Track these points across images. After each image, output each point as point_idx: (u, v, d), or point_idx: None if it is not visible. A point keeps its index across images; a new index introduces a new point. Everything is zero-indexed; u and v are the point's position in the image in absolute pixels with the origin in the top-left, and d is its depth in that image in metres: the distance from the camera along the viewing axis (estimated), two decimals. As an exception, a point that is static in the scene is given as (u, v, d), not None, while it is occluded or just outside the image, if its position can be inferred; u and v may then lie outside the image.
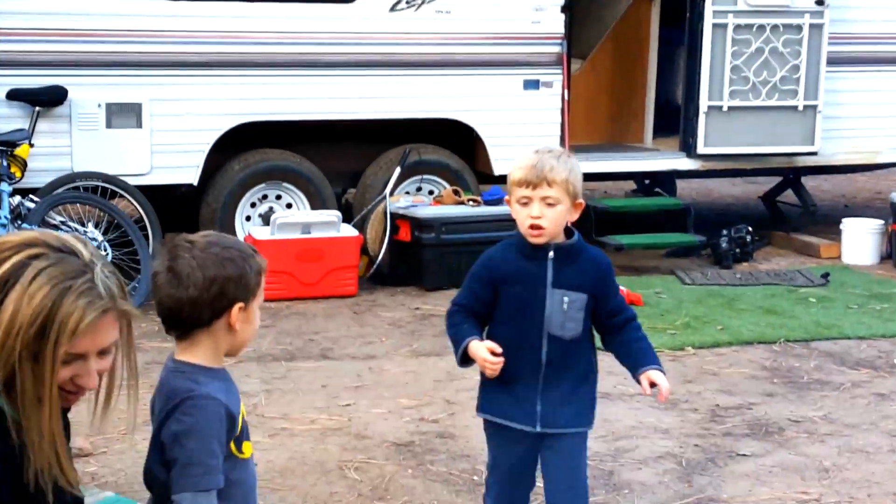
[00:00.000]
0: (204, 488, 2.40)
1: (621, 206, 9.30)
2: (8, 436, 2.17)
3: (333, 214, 7.78)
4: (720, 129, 8.89)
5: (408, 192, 8.39)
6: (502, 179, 8.53)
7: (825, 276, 8.25)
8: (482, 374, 3.33)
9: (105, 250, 7.06)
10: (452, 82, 8.29)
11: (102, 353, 2.26)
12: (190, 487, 2.40)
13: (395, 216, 7.98)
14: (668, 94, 10.02)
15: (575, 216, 3.28)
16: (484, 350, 3.24)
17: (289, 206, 8.07)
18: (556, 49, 8.46)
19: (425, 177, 8.49)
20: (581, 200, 3.28)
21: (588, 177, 9.49)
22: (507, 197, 3.35)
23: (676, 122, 9.24)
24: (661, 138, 9.73)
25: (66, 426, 2.55)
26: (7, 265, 2.15)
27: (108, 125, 7.42)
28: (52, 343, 2.14)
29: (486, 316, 3.35)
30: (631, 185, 10.75)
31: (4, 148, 6.88)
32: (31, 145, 7.01)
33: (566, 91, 8.53)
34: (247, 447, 2.53)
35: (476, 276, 3.37)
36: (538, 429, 3.31)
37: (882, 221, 9.09)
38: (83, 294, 2.17)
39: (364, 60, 8.00)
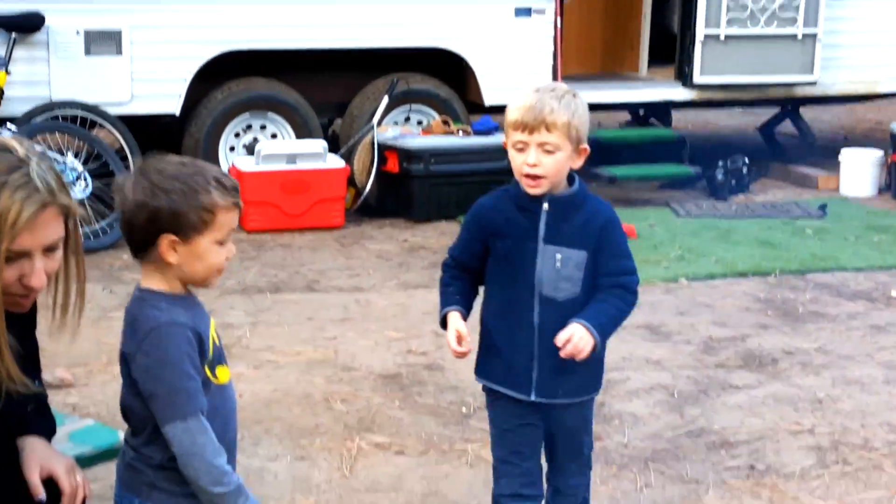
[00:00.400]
0: (191, 412, 2.39)
1: (615, 137, 9.27)
2: None
3: (320, 145, 7.74)
4: (717, 58, 8.84)
5: (396, 123, 8.35)
6: (492, 110, 8.50)
7: (822, 207, 8.25)
8: (480, 335, 3.15)
9: (85, 181, 7.03)
10: (441, 9, 8.21)
11: (48, 250, 2.24)
12: (178, 416, 2.37)
13: (382, 147, 7.94)
14: (664, 21, 9.92)
15: (579, 163, 2.99)
16: (453, 332, 3.02)
17: (274, 136, 8.02)
18: (549, -26, 8.38)
19: (414, 106, 8.44)
20: (586, 146, 2.98)
21: (580, 107, 9.61)
22: (504, 139, 3.05)
23: (672, 50, 9.19)
24: (657, 68, 9.67)
25: (31, 330, 2.55)
26: None
27: (88, 52, 7.33)
28: None
29: (479, 271, 3.12)
30: (625, 115, 10.70)
31: (-22, 76, 6.82)
32: (8, 73, 6.94)
33: (559, 19, 8.45)
34: (222, 372, 2.50)
35: (467, 225, 3.16)
36: (533, 398, 3.07)
37: (881, 152, 9.07)
38: (19, 188, 2.14)
39: (351, -14, 7.93)
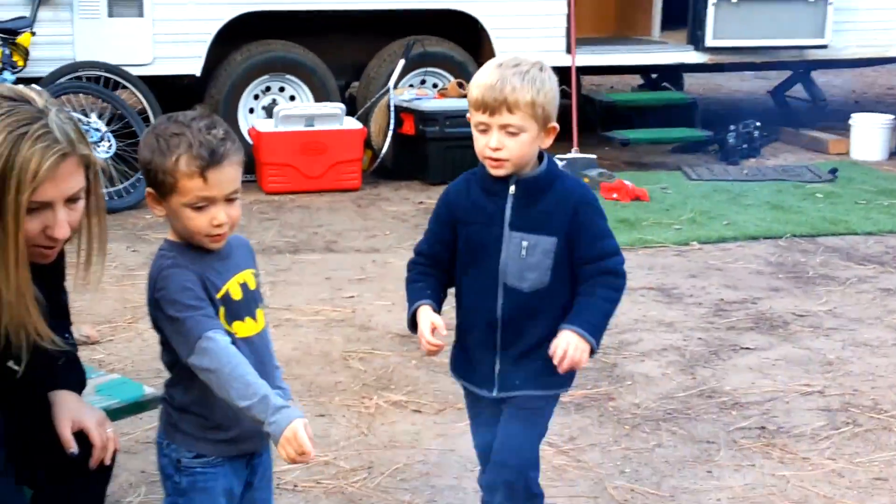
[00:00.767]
0: (207, 330, 2.35)
1: (627, 101, 9.25)
2: None
3: (337, 107, 7.72)
4: (729, 21, 8.78)
5: (412, 85, 8.32)
6: (508, 72, 8.46)
7: (833, 171, 8.21)
8: (456, 328, 2.88)
9: (108, 141, 7.03)
10: (458, -28, 8.18)
11: (70, 201, 2.25)
12: (192, 344, 2.36)
13: (398, 109, 7.93)
14: (677, -15, 9.87)
15: (547, 142, 2.72)
16: (427, 324, 2.71)
17: (292, 98, 8.02)
18: (564, -63, 8.32)
19: (429, 69, 8.41)
20: (555, 124, 2.71)
21: (594, 70, 9.56)
22: (467, 115, 2.75)
23: (685, 14, 9.11)
24: (670, 31, 9.61)
25: (60, 283, 2.57)
26: None
27: (110, 14, 7.33)
28: (14, 191, 2.13)
29: (448, 264, 2.84)
30: (638, 79, 10.65)
31: (6, 36, 6.82)
32: (33, 34, 6.94)
33: (573, -19, 8.41)
34: (241, 327, 2.48)
35: (436, 213, 2.88)
36: (495, 393, 2.82)
37: (892, 117, 9.02)
38: (39, 139, 2.15)
39: (368, -51, 7.90)
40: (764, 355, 4.87)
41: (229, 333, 2.43)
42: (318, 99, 7.94)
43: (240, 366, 2.34)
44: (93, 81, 7.14)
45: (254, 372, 2.35)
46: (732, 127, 8.87)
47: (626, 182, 7.55)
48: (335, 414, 4.21)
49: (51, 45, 7.11)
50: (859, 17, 9.12)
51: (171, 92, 7.77)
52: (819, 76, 10.48)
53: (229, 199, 2.40)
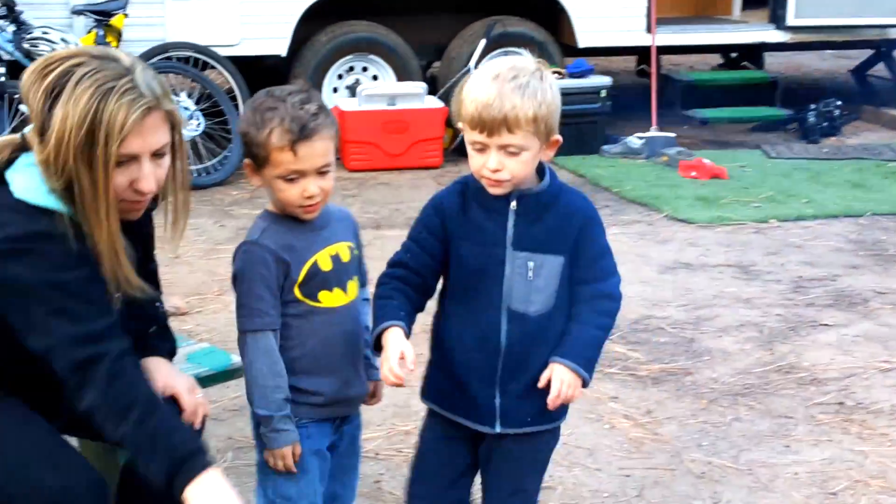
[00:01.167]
0: (250, 329, 2.46)
1: (707, 80, 9.12)
2: (83, 238, 2.23)
3: (419, 86, 7.73)
4: (811, 0, 8.61)
5: (493, 65, 8.29)
6: (587, 52, 8.41)
7: (914, 150, 8.05)
8: (433, 354, 2.58)
9: (197, 120, 7.11)
10: (538, -48, 8.13)
11: (156, 156, 2.28)
12: (239, 328, 2.47)
13: (480, 88, 7.89)
14: (759, -36, 9.72)
15: (550, 154, 2.42)
16: (395, 351, 2.34)
17: (375, 77, 8.03)
18: (645, -83, 8.23)
19: (510, 49, 8.32)
20: (557, 137, 2.40)
21: (674, 50, 9.45)
22: (460, 124, 2.42)
23: (766, -7, 8.98)
24: (751, 10, 9.47)
25: (150, 251, 2.62)
26: (52, 75, 2.19)
27: (200, -4, 7.43)
28: (103, 144, 2.17)
29: (427, 285, 2.49)
30: (718, 58, 10.50)
31: (101, 18, 6.91)
32: (126, 15, 7.03)
33: (654, -39, 8.31)
34: (328, 297, 2.50)
35: (424, 222, 2.49)
36: (498, 429, 2.49)
37: (975, 96, 8.81)
38: (126, 93, 2.18)
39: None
40: (843, 332, 4.79)
41: (303, 303, 2.47)
42: (400, 78, 7.95)
43: (269, 375, 2.45)
44: (182, 62, 7.22)
45: (278, 386, 2.44)
46: (813, 106, 8.72)
47: (705, 160, 7.46)
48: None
49: (143, 27, 7.20)
50: (943, -5, 8.90)
51: (257, 72, 7.83)
52: (901, 55, 10.25)
53: (321, 172, 2.43)
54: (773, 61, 10.82)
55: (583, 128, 7.96)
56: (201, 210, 6.59)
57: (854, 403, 4.10)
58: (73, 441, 2.70)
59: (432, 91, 8.02)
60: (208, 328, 4.66)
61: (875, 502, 3.44)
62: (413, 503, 2.63)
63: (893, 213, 6.59)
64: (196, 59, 7.27)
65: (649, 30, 8.35)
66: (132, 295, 2.32)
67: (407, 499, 2.65)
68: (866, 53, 10.29)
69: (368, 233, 6.16)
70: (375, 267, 5.84)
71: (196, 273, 5.43)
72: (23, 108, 2.19)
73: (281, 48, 7.72)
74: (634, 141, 7.94)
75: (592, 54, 8.60)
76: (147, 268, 2.63)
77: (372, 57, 7.99)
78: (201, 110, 7.18)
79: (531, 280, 2.43)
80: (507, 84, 2.32)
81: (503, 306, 2.43)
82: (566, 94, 8.38)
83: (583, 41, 8.29)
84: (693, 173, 7.34)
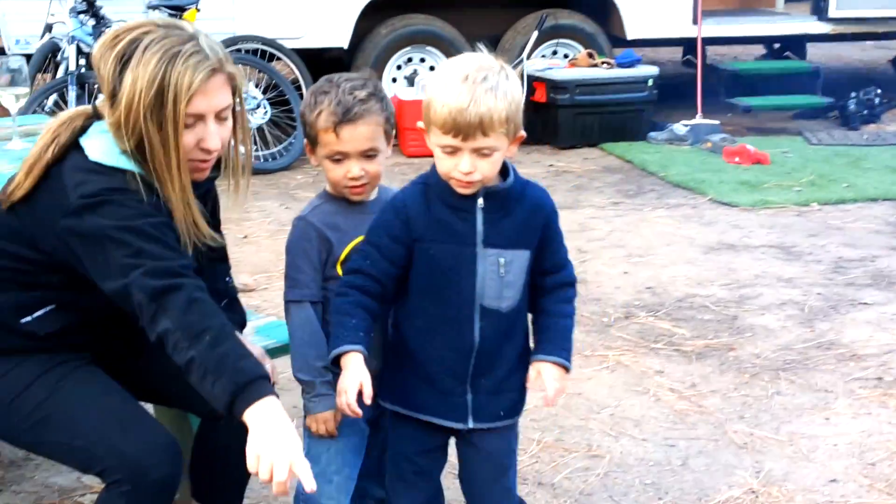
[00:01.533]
0: (290, 299, 2.47)
1: (751, 69, 9.02)
2: (155, 195, 2.26)
3: (474, 76, 7.70)
4: (853, -8, 8.49)
5: (544, 56, 8.26)
6: (635, 43, 8.35)
7: (953, 137, 7.90)
8: (395, 355, 2.45)
9: (264, 108, 7.15)
10: (588, -53, 8.07)
11: (220, 117, 2.30)
12: (286, 298, 2.49)
13: (531, 78, 7.88)
14: (802, -43, 9.57)
15: (514, 150, 2.31)
16: (354, 382, 2.24)
17: (432, 68, 8.02)
18: (691, -87, 8.13)
19: (561, 41, 8.33)
20: (522, 133, 2.29)
21: (719, 41, 9.35)
22: (422, 125, 2.29)
23: (809, -15, 8.85)
24: (793, 2, 9.35)
25: (217, 228, 2.64)
26: (122, 43, 2.23)
27: (266, -10, 7.47)
28: (171, 103, 2.20)
29: (389, 290, 2.36)
30: (761, 49, 10.38)
31: (174, 12, 6.95)
32: (198, 10, 7.07)
33: (700, -45, 8.22)
34: None
35: (384, 227, 2.34)
36: (471, 425, 2.40)
37: None
38: (191, 56, 2.21)
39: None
40: (882, 310, 4.72)
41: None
42: (455, 69, 7.92)
43: (306, 344, 2.46)
44: (250, 54, 7.26)
45: (318, 354, 2.43)
46: (853, 94, 8.59)
47: (749, 146, 7.38)
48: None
49: (213, 21, 7.21)
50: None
51: (320, 63, 7.85)
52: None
53: (367, 156, 2.42)
54: (814, 51, 10.68)
55: (630, 115, 7.92)
56: (268, 193, 6.64)
57: (892, 378, 4.04)
58: (149, 408, 2.74)
59: (486, 81, 7.99)
60: (274, 304, 4.68)
61: (912, 473, 3.40)
62: (398, 488, 2.51)
63: (931, 196, 6.49)
64: (263, 51, 7.31)
65: (695, 21, 8.26)
66: (205, 244, 2.34)
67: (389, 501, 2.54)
68: (906, 44, 10.12)
69: (425, 215, 6.17)
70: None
71: (263, 252, 5.47)
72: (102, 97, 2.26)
73: (343, 40, 7.74)
74: (680, 128, 7.88)
75: (640, 45, 8.54)
76: (216, 242, 2.66)
77: (429, 48, 7.99)
78: (268, 99, 7.21)
79: (503, 276, 2.33)
80: (479, 86, 2.18)
81: (475, 304, 2.33)
82: (616, 84, 8.39)
83: (631, 33, 8.23)
84: (736, 159, 7.27)
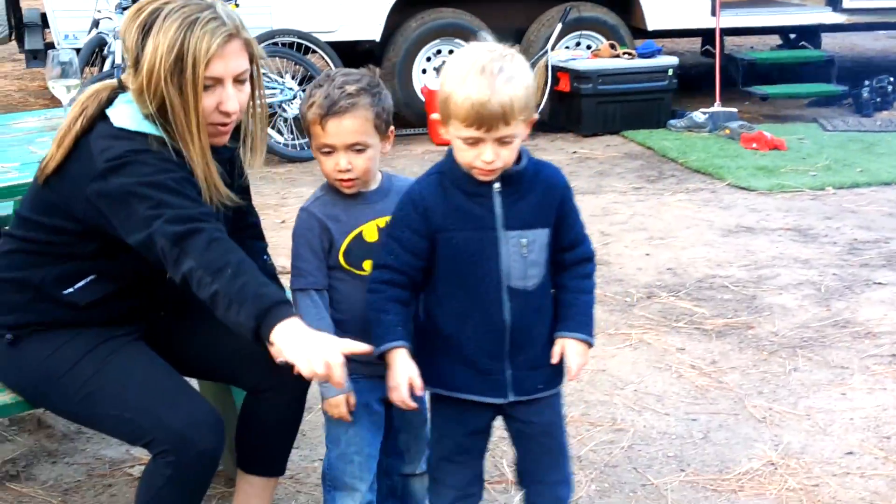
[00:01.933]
0: (295, 287, 2.44)
1: (767, 59, 8.92)
2: (176, 152, 2.29)
3: (500, 67, 7.66)
4: (866, -17, 8.39)
5: (567, 47, 8.21)
6: (655, 34, 8.28)
7: (963, 122, 7.79)
8: (428, 340, 2.37)
9: (300, 99, 7.15)
10: (610, -57, 8.01)
11: (237, 82, 2.32)
12: (290, 286, 2.46)
13: (556, 69, 7.84)
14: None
15: (527, 133, 2.24)
16: (405, 378, 2.24)
17: (460, 60, 7.98)
18: None
19: (584, 33, 8.28)
20: (535, 115, 2.25)
21: (737, 31, 9.26)
22: (436, 117, 2.24)
23: (824, -23, 8.74)
24: (809, -6, 9.23)
25: (249, 206, 2.67)
26: (144, 14, 2.27)
27: (302, -13, 7.46)
28: (191, 67, 2.23)
29: (416, 280, 2.32)
30: (777, 39, 10.27)
31: (213, 8, 6.97)
32: (237, 5, 7.07)
33: (718, -51, 8.14)
34: (371, 266, 2.41)
35: (404, 221, 2.30)
36: (511, 398, 2.36)
37: None
38: (209, 22, 2.25)
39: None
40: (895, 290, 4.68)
41: (347, 270, 2.43)
42: (483, 60, 7.89)
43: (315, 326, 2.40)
44: (287, 47, 7.26)
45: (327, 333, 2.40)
46: (867, 82, 8.49)
47: (765, 133, 7.31)
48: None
49: (252, 15, 7.20)
50: None
51: (354, 55, 7.85)
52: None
53: (355, 150, 2.38)
54: (829, 41, 10.57)
55: (651, 104, 7.87)
56: (304, 179, 6.65)
57: (906, 355, 4.01)
58: (194, 383, 2.75)
59: (512, 71, 7.95)
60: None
61: (926, 446, 3.36)
62: (441, 490, 2.46)
63: (943, 180, 6.41)
64: (299, 44, 7.30)
65: (714, 13, 8.19)
66: (223, 202, 2.35)
67: (434, 484, 2.48)
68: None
69: (455, 200, 6.16)
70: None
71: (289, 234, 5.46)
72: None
73: (375, 33, 7.72)
74: (699, 115, 7.82)
75: (660, 36, 8.47)
76: (248, 220, 2.67)
77: (457, 41, 7.95)
78: (304, 90, 7.20)
79: (526, 256, 2.29)
80: (497, 78, 2.13)
81: (503, 285, 2.28)
82: (637, 73, 8.32)
83: (652, 24, 8.17)
84: (754, 145, 7.21)
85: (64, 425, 3.48)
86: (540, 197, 2.30)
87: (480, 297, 2.29)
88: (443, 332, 2.34)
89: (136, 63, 2.26)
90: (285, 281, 2.54)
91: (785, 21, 9.03)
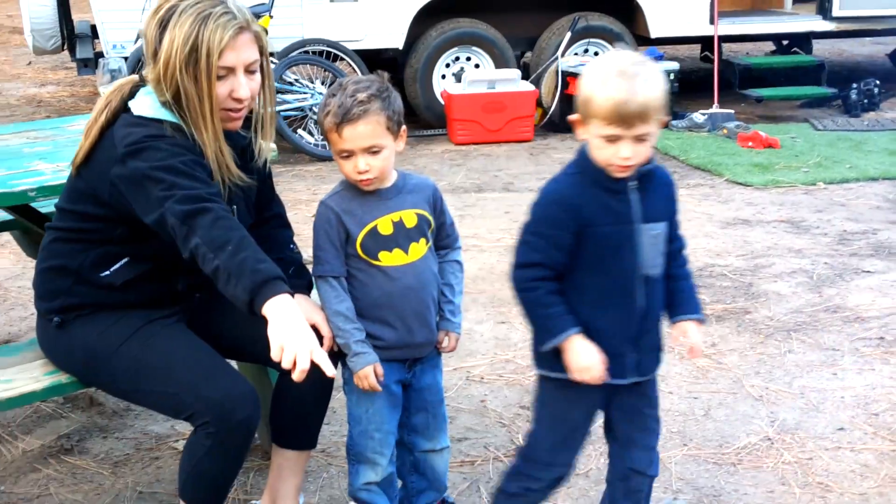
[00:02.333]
0: (315, 274, 2.45)
1: (762, 63, 8.85)
2: (189, 137, 2.30)
3: (514, 73, 7.64)
4: (854, -7, 8.31)
5: (576, 54, 8.16)
6: (658, 41, 8.23)
7: (946, 122, 7.70)
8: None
9: (329, 103, 7.13)
10: (616, -43, 7.95)
11: (248, 72, 2.33)
12: (312, 273, 2.49)
13: (565, 74, 7.79)
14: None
15: (658, 133, 2.24)
16: (595, 357, 2.24)
17: (477, 66, 7.97)
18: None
19: (592, 40, 8.23)
20: (665, 117, 2.22)
21: (734, 38, 9.20)
22: (575, 116, 2.23)
23: (815, -12, 8.66)
24: (801, 3, 9.15)
25: (273, 195, 2.67)
26: (162, 10, 2.30)
27: (332, 0, 7.42)
28: (205, 58, 2.24)
29: (561, 273, 2.27)
30: (771, 45, 10.19)
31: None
32: (271, 17, 7.07)
33: (716, -38, 8.07)
34: (386, 255, 2.43)
35: (552, 220, 2.25)
36: (634, 379, 2.36)
37: None
38: (221, 16, 2.27)
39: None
40: (883, 277, 4.63)
41: (363, 260, 2.43)
42: (497, 66, 7.87)
43: (335, 314, 2.42)
44: (317, 54, 7.25)
45: (347, 317, 2.41)
46: (854, 85, 8.41)
47: (761, 132, 7.26)
48: (513, 322, 4.20)
49: (284, 26, 7.25)
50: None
51: (378, 62, 7.83)
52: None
53: (371, 152, 2.37)
54: (819, 47, 10.48)
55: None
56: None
57: (893, 338, 3.96)
58: (233, 364, 2.74)
59: (525, 76, 7.93)
60: (341, 274, 4.68)
61: (912, 422, 3.33)
62: (556, 470, 2.42)
63: (927, 176, 6.34)
64: (328, 52, 7.28)
65: (712, 21, 8.13)
66: (233, 182, 2.36)
67: (546, 465, 2.41)
68: (902, 39, 9.90)
69: (471, 195, 6.14)
70: (479, 224, 5.87)
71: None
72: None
73: (398, 42, 7.70)
74: (698, 116, 7.76)
75: (662, 43, 8.41)
76: (274, 211, 2.66)
77: (474, 48, 7.93)
78: (332, 95, 7.19)
79: (656, 246, 2.30)
80: (636, 80, 2.13)
81: (639, 274, 2.28)
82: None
83: (654, 32, 8.11)
84: (750, 143, 7.15)
85: (114, 403, 3.48)
86: (663, 192, 2.33)
87: (619, 284, 2.28)
88: (579, 319, 2.28)
89: (155, 55, 2.28)
90: (309, 268, 2.53)
91: (778, 29, 8.95)
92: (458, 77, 7.87)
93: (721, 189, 6.20)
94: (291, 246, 2.68)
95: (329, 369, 2.05)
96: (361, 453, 2.53)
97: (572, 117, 2.25)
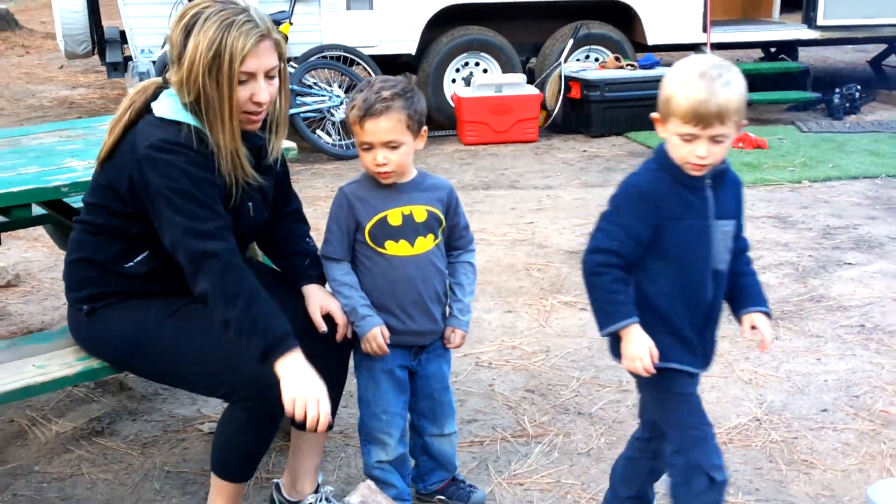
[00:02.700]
0: (321, 254, 2.48)
1: (751, 69, 8.78)
2: (205, 145, 2.27)
3: (520, 77, 7.61)
4: (838, 4, 8.25)
5: (578, 59, 8.12)
6: (655, 48, 8.18)
7: (923, 124, 7.64)
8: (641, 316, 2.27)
9: (346, 104, 7.10)
10: (615, -31, 7.90)
11: (268, 75, 2.30)
12: (322, 253, 2.49)
13: (568, 78, 7.76)
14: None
15: (736, 135, 2.17)
16: (646, 349, 2.17)
17: (485, 70, 7.93)
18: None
19: (592, 47, 8.19)
20: (745, 121, 2.16)
21: (725, 46, 9.16)
22: (656, 115, 2.19)
23: (801, -2, 8.61)
24: (788, 13, 9.09)
25: (290, 192, 2.65)
26: (187, 17, 2.26)
27: (348, 7, 7.38)
28: (227, 63, 2.21)
29: (632, 263, 2.22)
30: (759, 52, 10.13)
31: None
32: (291, 24, 7.05)
33: (708, -26, 8.02)
34: (392, 245, 2.43)
35: (631, 211, 2.19)
36: (705, 369, 2.30)
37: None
38: (244, 24, 2.24)
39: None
40: (863, 269, 4.59)
41: (371, 248, 2.42)
42: (504, 71, 7.84)
43: (342, 285, 2.44)
44: (334, 59, 7.23)
45: (350, 285, 2.43)
46: (837, 90, 8.36)
47: (750, 134, 7.22)
48: (520, 311, 4.18)
49: (303, 32, 7.23)
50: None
51: (393, 67, 7.81)
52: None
53: (391, 146, 2.36)
54: (805, 54, 10.41)
55: (651, 109, 7.54)
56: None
57: (873, 325, 3.93)
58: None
59: (530, 81, 7.89)
60: (357, 265, 4.67)
61: (890, 403, 3.30)
62: (714, 438, 2.32)
63: (906, 174, 6.30)
64: (345, 57, 7.26)
65: (705, 29, 8.09)
66: (241, 179, 2.33)
67: (711, 437, 2.30)
68: (881, 47, 9.82)
69: (479, 192, 6.12)
70: (487, 219, 5.84)
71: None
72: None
73: (411, 48, 7.67)
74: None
75: (659, 50, 8.37)
76: (291, 206, 2.64)
77: (483, 54, 7.89)
78: (349, 97, 7.16)
79: (725, 242, 2.23)
80: (716, 82, 2.06)
81: (710, 267, 2.22)
82: (639, 82, 8.23)
83: (651, 39, 8.07)
84: (739, 144, 7.11)
85: (143, 387, 3.47)
86: (733, 191, 2.27)
87: (692, 277, 2.22)
88: (657, 308, 2.23)
89: (179, 59, 2.26)
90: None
91: (767, 37, 8.90)
92: (467, 81, 7.83)
93: (712, 186, 6.15)
94: (308, 240, 2.66)
95: (325, 418, 2.15)
96: (371, 434, 2.53)
97: (653, 115, 2.19)
